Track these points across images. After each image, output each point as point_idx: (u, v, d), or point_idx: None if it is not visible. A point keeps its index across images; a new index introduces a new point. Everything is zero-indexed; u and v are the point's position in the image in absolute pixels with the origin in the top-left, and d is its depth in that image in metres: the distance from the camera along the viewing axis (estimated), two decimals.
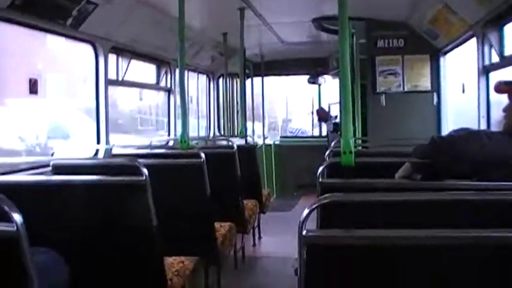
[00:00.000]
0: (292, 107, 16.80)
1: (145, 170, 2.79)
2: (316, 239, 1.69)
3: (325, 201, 1.78)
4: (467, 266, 1.70)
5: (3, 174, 3.66)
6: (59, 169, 3.61)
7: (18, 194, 2.37)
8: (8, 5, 3.62)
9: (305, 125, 12.46)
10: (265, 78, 10.07)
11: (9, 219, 1.68)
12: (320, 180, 2.62)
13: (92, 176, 2.96)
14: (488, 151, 2.34)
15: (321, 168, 2.73)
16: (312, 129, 11.60)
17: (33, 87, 4.35)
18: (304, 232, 1.66)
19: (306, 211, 1.70)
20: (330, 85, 10.13)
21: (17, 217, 1.68)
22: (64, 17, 4.27)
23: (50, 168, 3.71)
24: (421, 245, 1.69)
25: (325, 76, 10.07)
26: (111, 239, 2.86)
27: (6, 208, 1.68)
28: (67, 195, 2.89)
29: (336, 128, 8.23)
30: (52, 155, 4.10)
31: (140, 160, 2.94)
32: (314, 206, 1.73)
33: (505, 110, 2.59)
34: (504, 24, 4.58)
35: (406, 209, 1.95)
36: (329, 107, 10.01)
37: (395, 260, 1.71)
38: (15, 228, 1.68)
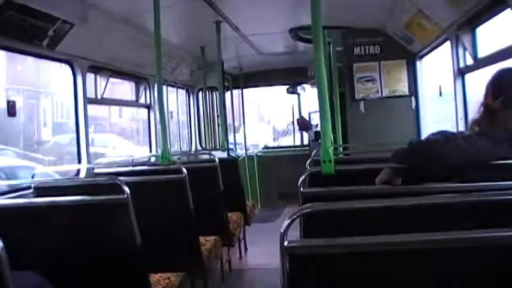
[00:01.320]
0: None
1: (126, 188, 2.79)
2: (298, 249, 1.69)
3: (306, 211, 1.78)
4: (452, 269, 1.70)
5: None
6: (40, 191, 3.59)
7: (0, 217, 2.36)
8: None
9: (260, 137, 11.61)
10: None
11: None
12: (301, 190, 2.63)
13: (73, 197, 2.95)
14: (465, 154, 2.36)
15: (301, 178, 2.74)
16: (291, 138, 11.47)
17: (11, 109, 4.33)
18: (285, 243, 1.66)
19: (287, 221, 1.70)
20: (310, 94, 10.18)
21: None
22: (40, 38, 4.25)
23: (31, 191, 3.69)
24: (405, 250, 1.68)
25: (304, 85, 10.13)
26: (95, 258, 2.85)
27: None
28: (49, 217, 2.88)
29: (317, 137, 8.27)
30: (33, 176, 4.07)
31: (122, 178, 2.93)
32: (295, 216, 1.73)
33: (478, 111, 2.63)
34: (476, 27, 4.63)
35: (387, 215, 1.97)
36: (309, 116, 10.04)
37: (379, 267, 1.71)
38: None
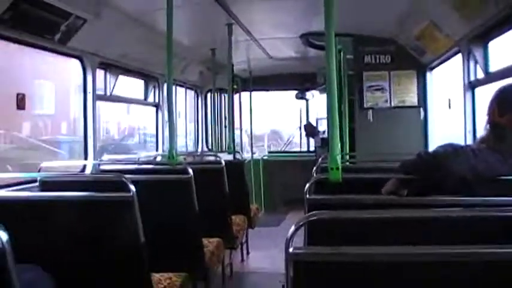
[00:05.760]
0: None
1: (132, 186, 2.79)
2: (303, 256, 1.69)
3: (312, 218, 1.78)
4: (456, 282, 1.70)
5: None
6: (46, 185, 3.59)
7: (4, 210, 2.36)
8: None
9: None
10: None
11: None
12: (307, 196, 2.63)
13: (79, 192, 2.95)
14: (475, 168, 2.35)
15: (308, 185, 2.73)
16: None
17: (20, 102, 4.33)
18: (291, 249, 1.66)
19: (293, 228, 1.70)
20: (318, 100, 10.17)
21: (2, 234, 1.66)
22: (52, 32, 4.26)
23: (37, 184, 3.70)
24: (408, 262, 1.68)
25: (313, 91, 10.12)
26: (98, 255, 2.85)
27: None
28: (54, 212, 2.88)
29: (324, 143, 8.25)
30: (39, 170, 4.07)
31: (127, 176, 2.93)
32: (301, 224, 1.73)
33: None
34: (489, 41, 4.62)
35: (393, 226, 1.96)
36: (317, 122, 10.03)
37: (382, 277, 1.70)
38: (0, 245, 1.66)
